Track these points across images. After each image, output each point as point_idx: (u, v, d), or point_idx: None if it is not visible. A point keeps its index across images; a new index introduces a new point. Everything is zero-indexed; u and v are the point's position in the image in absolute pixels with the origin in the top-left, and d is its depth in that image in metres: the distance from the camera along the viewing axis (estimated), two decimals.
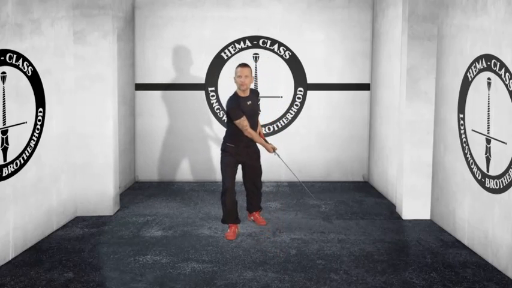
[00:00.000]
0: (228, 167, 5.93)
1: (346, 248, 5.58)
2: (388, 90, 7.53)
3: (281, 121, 8.40)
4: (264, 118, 8.03)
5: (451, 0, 6.00)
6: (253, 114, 5.93)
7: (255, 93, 6.10)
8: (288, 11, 8.29)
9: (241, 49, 8.27)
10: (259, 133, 6.17)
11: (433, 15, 6.37)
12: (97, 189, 6.54)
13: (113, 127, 6.61)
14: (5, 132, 5.07)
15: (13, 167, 5.20)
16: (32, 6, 5.46)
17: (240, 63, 6.03)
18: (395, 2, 7.24)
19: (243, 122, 5.78)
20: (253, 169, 6.13)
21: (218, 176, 8.35)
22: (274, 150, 6.12)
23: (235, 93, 5.92)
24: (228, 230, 5.94)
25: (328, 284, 4.72)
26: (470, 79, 5.57)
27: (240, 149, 5.94)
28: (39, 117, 5.65)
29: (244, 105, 5.84)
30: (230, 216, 5.95)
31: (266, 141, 6.14)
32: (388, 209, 7.02)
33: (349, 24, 8.30)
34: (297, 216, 6.64)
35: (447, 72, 6.12)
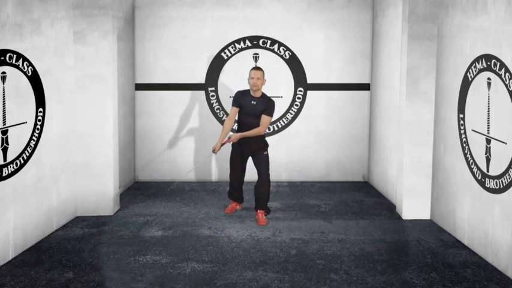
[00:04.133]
0: (233, 160, 6.59)
1: (346, 248, 5.58)
2: (388, 90, 7.54)
3: (281, 121, 8.40)
4: None
5: (451, 0, 6.00)
6: (251, 115, 6.33)
7: (266, 101, 6.37)
8: (288, 11, 8.29)
9: (241, 49, 8.27)
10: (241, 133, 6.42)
11: (433, 15, 6.37)
12: (97, 189, 6.54)
13: (113, 127, 6.61)
14: (5, 132, 5.07)
15: (13, 167, 5.20)
16: (32, 6, 5.46)
17: (254, 66, 6.83)
18: (395, 2, 7.24)
19: (231, 110, 6.50)
20: (258, 160, 6.46)
21: (218, 176, 8.36)
22: (213, 150, 6.46)
23: (247, 90, 6.48)
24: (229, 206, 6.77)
25: (328, 284, 4.72)
26: (470, 79, 5.57)
27: (243, 143, 6.39)
28: (39, 117, 5.65)
29: (245, 102, 6.38)
30: (232, 192, 6.73)
31: (223, 141, 6.42)
32: (388, 209, 7.02)
33: (349, 24, 8.30)
34: (297, 216, 6.65)
35: (447, 72, 6.12)
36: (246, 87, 6.56)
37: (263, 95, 6.44)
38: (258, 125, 6.34)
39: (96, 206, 6.55)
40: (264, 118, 6.32)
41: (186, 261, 5.20)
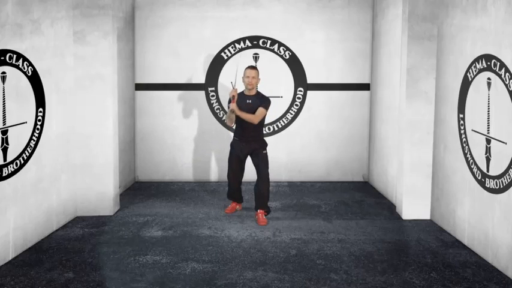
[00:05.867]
0: (232, 159, 6.61)
1: (346, 248, 5.58)
2: (388, 90, 7.54)
3: (281, 121, 8.40)
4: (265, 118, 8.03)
5: (451, 0, 6.00)
6: (248, 113, 6.34)
7: (261, 98, 6.44)
8: (288, 11, 8.29)
9: (241, 49, 8.27)
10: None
11: (433, 15, 6.37)
12: (97, 189, 6.54)
13: (113, 127, 6.61)
14: (5, 132, 5.07)
15: (13, 167, 5.20)
16: (32, 6, 5.46)
17: (249, 65, 6.67)
18: (395, 2, 7.25)
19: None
20: (257, 159, 6.48)
21: (218, 176, 8.36)
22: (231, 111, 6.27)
23: (242, 91, 6.49)
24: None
25: (328, 284, 4.72)
26: (470, 79, 5.57)
27: (242, 143, 6.48)
28: (39, 117, 5.65)
29: (241, 102, 6.38)
30: (231, 193, 6.76)
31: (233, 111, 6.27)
32: (388, 209, 7.02)
33: (349, 24, 8.30)
34: (297, 216, 6.65)
35: (447, 72, 6.12)
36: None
37: (258, 93, 6.49)
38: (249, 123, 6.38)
39: (96, 206, 6.55)
40: (259, 109, 6.34)
41: (186, 261, 5.20)
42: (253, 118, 6.31)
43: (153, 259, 5.24)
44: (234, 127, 6.73)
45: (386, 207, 7.11)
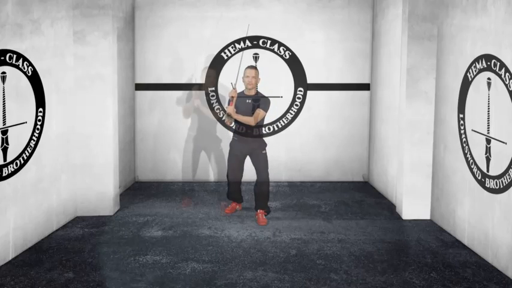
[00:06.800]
0: (231, 159, 6.60)
1: (346, 248, 5.58)
2: (388, 90, 7.54)
3: (281, 121, 8.40)
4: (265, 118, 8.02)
5: (451, 0, 6.00)
6: (247, 113, 6.38)
7: (261, 98, 6.45)
8: (288, 11, 8.29)
9: (241, 49, 8.27)
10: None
11: (433, 15, 6.37)
12: (97, 189, 6.54)
13: (113, 127, 6.61)
14: (5, 132, 5.07)
15: (13, 167, 5.20)
16: (32, 6, 5.46)
17: (249, 65, 6.69)
18: (395, 2, 7.25)
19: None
20: (256, 159, 6.49)
21: (218, 176, 8.36)
22: (227, 113, 6.34)
23: (242, 91, 6.50)
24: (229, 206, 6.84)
25: (328, 284, 4.72)
26: (470, 79, 5.57)
27: (241, 143, 6.50)
28: (39, 117, 5.65)
29: (240, 101, 6.40)
30: (231, 193, 6.73)
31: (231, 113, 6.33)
32: (388, 209, 7.02)
33: (349, 24, 8.30)
34: (297, 216, 6.65)
35: (447, 72, 6.12)
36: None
37: (258, 93, 6.50)
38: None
39: (96, 206, 6.55)
40: (258, 111, 6.35)
41: (186, 261, 5.21)
42: (250, 121, 6.32)
43: (153, 259, 5.24)
44: (233, 127, 6.74)
45: (386, 207, 7.11)
